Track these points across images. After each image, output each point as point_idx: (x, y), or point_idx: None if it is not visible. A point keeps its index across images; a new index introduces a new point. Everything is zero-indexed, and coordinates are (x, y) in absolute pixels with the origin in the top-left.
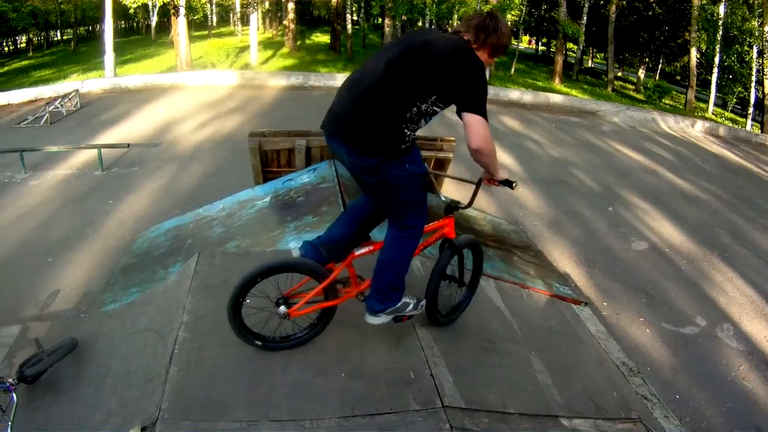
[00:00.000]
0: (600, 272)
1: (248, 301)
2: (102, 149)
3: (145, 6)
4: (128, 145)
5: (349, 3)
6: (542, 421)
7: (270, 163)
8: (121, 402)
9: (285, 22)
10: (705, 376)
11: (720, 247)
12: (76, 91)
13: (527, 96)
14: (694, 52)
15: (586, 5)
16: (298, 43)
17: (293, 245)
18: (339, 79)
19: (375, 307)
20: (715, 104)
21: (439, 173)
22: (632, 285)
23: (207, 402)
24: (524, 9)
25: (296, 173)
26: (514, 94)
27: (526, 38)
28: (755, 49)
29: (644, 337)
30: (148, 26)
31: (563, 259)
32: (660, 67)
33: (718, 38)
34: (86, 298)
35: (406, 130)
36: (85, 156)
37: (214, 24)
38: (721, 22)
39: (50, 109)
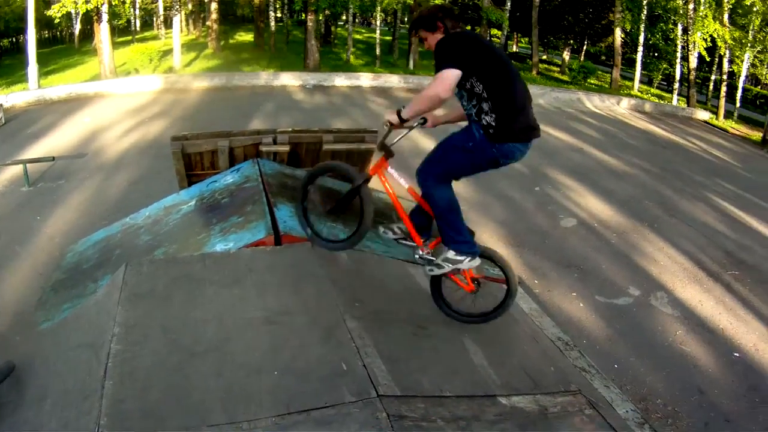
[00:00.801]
0: (530, 251)
1: None
2: (27, 164)
3: (68, 14)
4: (53, 158)
5: (272, 0)
6: (480, 401)
7: (194, 167)
8: (61, 422)
9: (208, 23)
10: (642, 344)
11: (649, 218)
12: (0, 105)
13: None
14: (618, 32)
15: None
16: (222, 43)
17: (219, 248)
18: (263, 77)
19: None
20: (641, 82)
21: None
22: (563, 261)
23: (144, 413)
24: None
25: (220, 174)
26: None
27: None
28: (680, 27)
29: (578, 311)
30: (72, 35)
31: (492, 241)
32: (585, 48)
33: (643, 17)
34: (19, 318)
35: None
36: (10, 172)
37: (138, 29)
38: (645, 1)
39: None
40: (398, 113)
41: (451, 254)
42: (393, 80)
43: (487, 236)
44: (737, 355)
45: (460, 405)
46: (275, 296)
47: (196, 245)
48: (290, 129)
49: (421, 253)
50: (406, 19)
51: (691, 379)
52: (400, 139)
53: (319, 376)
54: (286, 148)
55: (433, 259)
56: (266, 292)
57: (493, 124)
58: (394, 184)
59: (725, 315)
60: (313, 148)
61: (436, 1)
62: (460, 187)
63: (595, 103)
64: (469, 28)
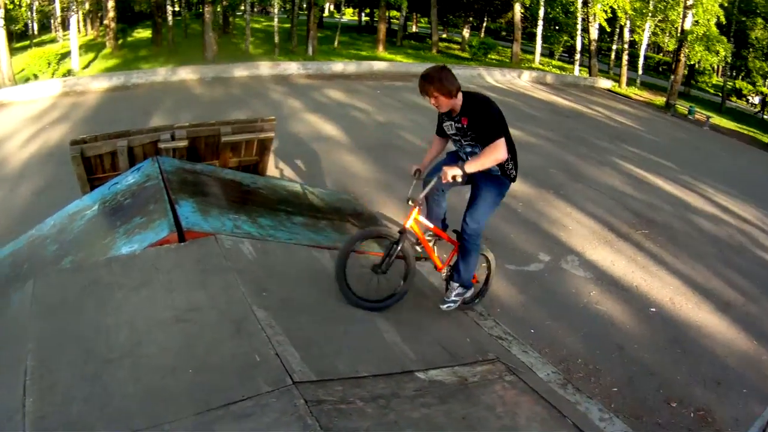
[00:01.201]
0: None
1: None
2: None
3: None
4: None
5: None
6: (398, 378)
7: (95, 170)
8: None
9: (105, 22)
10: (557, 308)
11: (555, 185)
12: None
13: (351, 66)
14: (518, 7)
15: None
16: (120, 41)
17: (125, 250)
18: (161, 74)
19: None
20: (542, 55)
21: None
22: None
23: (68, 426)
24: None
25: (121, 176)
26: (338, 66)
27: (349, 11)
28: (580, 0)
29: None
30: None
31: (399, 220)
32: (485, 25)
33: None
34: None
35: None
36: None
37: (36, 33)
38: None
39: None
40: (462, 168)
41: (461, 290)
42: (292, 67)
43: (393, 215)
44: (654, 310)
45: (378, 384)
46: (183, 294)
47: (102, 250)
48: (187, 124)
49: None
50: (304, 5)
51: (610, 337)
52: (425, 192)
53: (234, 369)
54: (184, 144)
55: (448, 299)
56: (174, 291)
57: (515, 173)
58: (422, 228)
59: (638, 273)
60: (212, 141)
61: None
62: (359, 167)
63: (496, 77)
64: (367, 10)
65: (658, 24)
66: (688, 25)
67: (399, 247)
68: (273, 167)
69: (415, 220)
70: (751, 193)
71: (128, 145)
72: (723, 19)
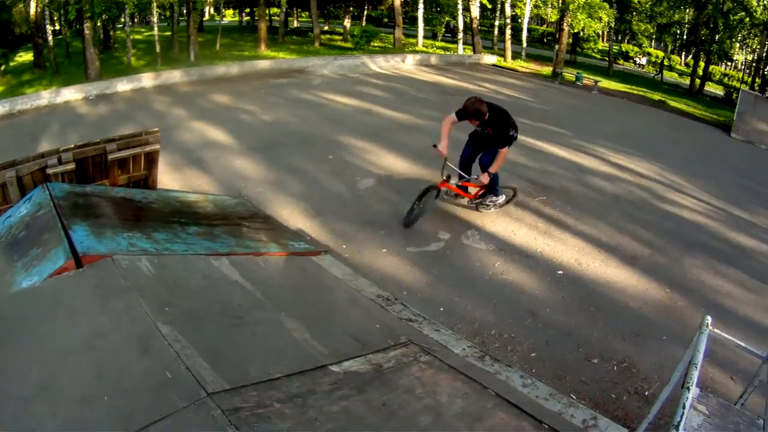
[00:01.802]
0: (332, 218)
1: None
2: None
3: None
4: None
5: (47, 13)
6: (312, 374)
7: None
8: None
9: None
10: (464, 283)
11: None
12: None
13: (233, 68)
14: None
15: None
16: (2, 67)
17: (25, 284)
18: (45, 97)
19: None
20: (426, 37)
21: None
22: (367, 221)
23: None
24: None
25: (14, 208)
26: (220, 69)
27: (230, 12)
28: None
29: (392, 266)
30: None
31: (293, 217)
32: (366, 13)
33: None
34: None
35: None
36: None
37: None
38: None
39: None
40: (489, 174)
41: (495, 198)
42: (175, 76)
43: (287, 212)
44: (561, 272)
45: (293, 383)
46: (87, 321)
47: (3, 287)
48: (73, 146)
49: (469, 200)
50: (184, 11)
51: (521, 304)
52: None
53: (148, 389)
54: (72, 166)
55: (482, 201)
56: (78, 319)
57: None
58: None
59: (541, 239)
60: (99, 160)
61: None
62: (250, 169)
63: (380, 64)
64: (248, 10)
65: None
66: None
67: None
68: (164, 179)
69: (450, 186)
70: (645, 149)
71: (16, 174)
72: None
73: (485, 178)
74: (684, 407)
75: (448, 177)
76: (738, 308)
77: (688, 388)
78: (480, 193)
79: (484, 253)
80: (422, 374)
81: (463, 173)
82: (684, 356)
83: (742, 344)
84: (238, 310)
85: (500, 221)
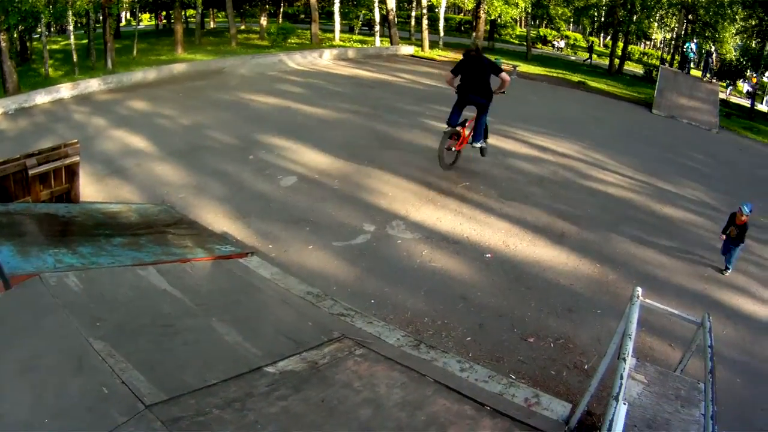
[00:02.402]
0: (257, 219)
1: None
2: None
3: None
4: None
5: None
6: (248, 377)
7: None
8: None
9: None
10: (392, 274)
11: (368, 156)
12: None
13: (150, 73)
14: None
15: None
16: None
17: None
18: None
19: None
20: (343, 31)
21: None
22: (292, 219)
23: None
24: None
25: None
26: (137, 75)
27: (146, 16)
28: None
29: (320, 262)
30: None
31: (218, 220)
32: (282, 10)
33: None
34: None
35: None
36: None
37: None
38: None
39: None
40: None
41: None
42: (93, 85)
43: (211, 216)
44: (489, 255)
45: (230, 388)
46: (21, 343)
47: None
48: None
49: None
50: (100, 18)
51: (451, 290)
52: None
53: (86, 407)
54: None
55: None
56: (12, 342)
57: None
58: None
59: (467, 224)
60: (20, 177)
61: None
62: (172, 175)
63: (297, 61)
64: (164, 13)
65: None
66: None
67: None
68: (87, 191)
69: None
70: (567, 130)
71: None
72: None
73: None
74: (622, 378)
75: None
76: (670, 277)
77: (624, 359)
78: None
79: (410, 242)
80: (358, 368)
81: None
82: (618, 328)
83: (676, 312)
84: (169, 318)
85: (424, 209)
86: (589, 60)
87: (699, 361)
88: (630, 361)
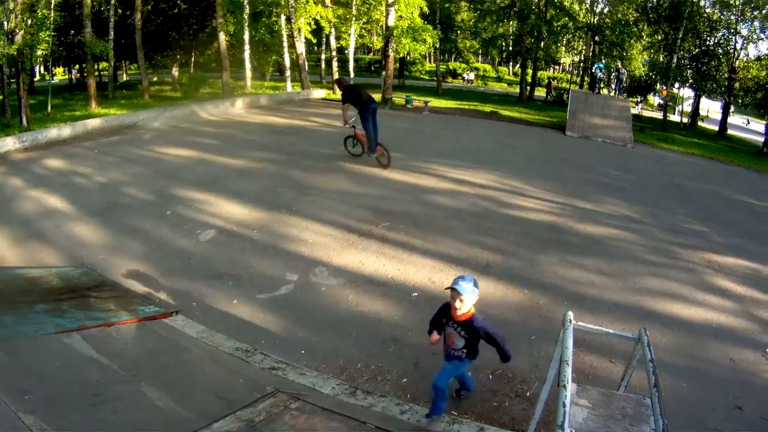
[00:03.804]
0: (179, 276)
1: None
2: None
3: None
4: None
5: None
6: None
7: None
8: None
9: None
10: (319, 321)
11: (286, 204)
12: None
13: (65, 130)
14: (222, 36)
15: (112, 20)
16: None
17: None
18: None
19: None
20: (254, 78)
21: None
22: (214, 274)
23: None
24: (51, 40)
25: None
26: (52, 132)
27: (60, 70)
28: (283, 18)
29: (246, 316)
30: None
31: (140, 279)
32: (193, 60)
33: (245, 17)
34: None
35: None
36: None
37: None
38: (246, 1)
39: None
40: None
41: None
42: (8, 143)
43: (133, 275)
44: (416, 294)
45: None
46: None
47: None
48: None
49: (369, 153)
50: (12, 71)
51: (381, 333)
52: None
53: None
54: None
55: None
56: None
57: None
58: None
59: (390, 264)
60: None
61: (42, 47)
62: (90, 235)
63: (210, 111)
64: (77, 67)
65: (364, 26)
66: (391, 22)
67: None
68: (7, 255)
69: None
70: (482, 161)
71: None
72: (426, 9)
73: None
74: (564, 406)
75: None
76: (602, 294)
77: (564, 386)
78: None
79: (335, 288)
80: (296, 422)
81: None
82: (554, 354)
83: (611, 331)
84: (98, 387)
85: (346, 254)
86: (549, 97)
87: (642, 374)
88: (571, 387)
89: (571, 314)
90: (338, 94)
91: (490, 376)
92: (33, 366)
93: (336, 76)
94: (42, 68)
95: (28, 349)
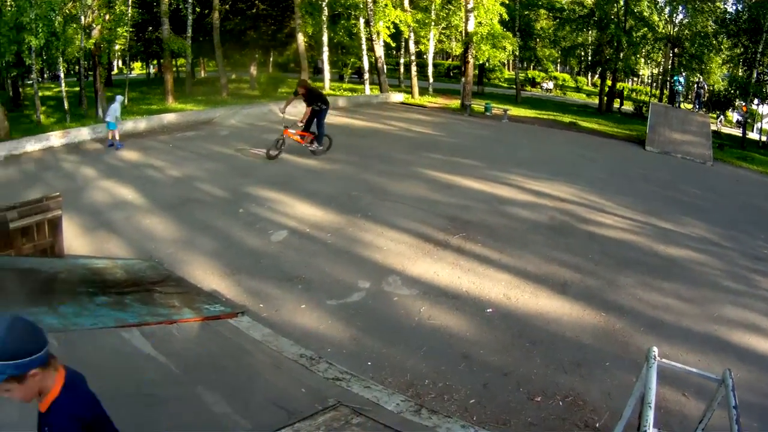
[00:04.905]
0: (247, 276)
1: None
2: None
3: None
4: None
5: None
6: None
7: None
8: None
9: None
10: (390, 333)
11: (361, 208)
12: None
13: (141, 123)
14: (301, 37)
15: (190, 18)
16: None
17: None
18: None
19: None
20: (332, 80)
21: None
22: (284, 276)
23: None
24: (128, 35)
25: None
26: (128, 125)
27: (138, 64)
28: (362, 21)
29: (313, 322)
30: None
31: (207, 277)
32: (272, 60)
33: (324, 19)
34: None
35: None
36: None
37: None
38: (325, 3)
39: None
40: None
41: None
42: (83, 134)
43: (200, 272)
44: (490, 310)
45: None
46: None
47: None
48: None
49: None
50: (89, 64)
51: (452, 349)
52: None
53: None
54: None
55: (313, 146)
56: None
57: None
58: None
59: (465, 277)
60: (1, 230)
61: (120, 42)
62: (161, 229)
63: (287, 110)
64: (155, 62)
65: (443, 31)
66: (471, 28)
67: (283, 141)
68: (74, 244)
69: (290, 134)
70: (561, 173)
71: None
72: (506, 16)
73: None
74: None
75: (287, 127)
76: (679, 321)
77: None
78: (309, 139)
79: (407, 298)
80: None
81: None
82: (634, 390)
83: (694, 370)
84: (153, 386)
85: (421, 263)
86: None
87: (719, 412)
88: None
89: (656, 350)
90: (420, 99)
91: (560, 403)
92: (88, 360)
93: (415, 80)
94: (120, 62)
95: (84, 342)
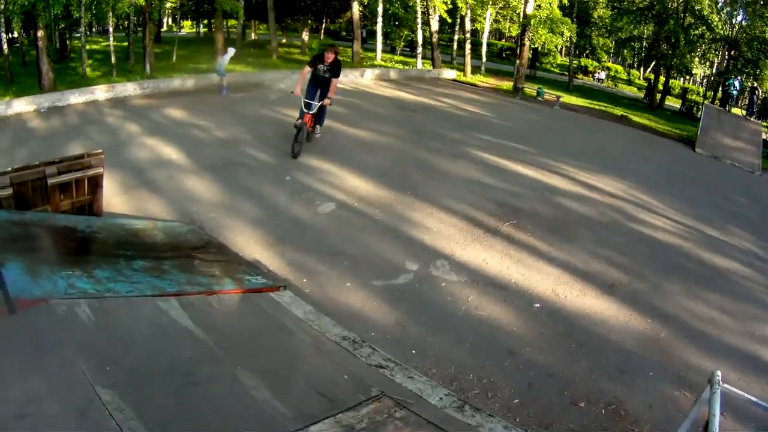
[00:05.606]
0: (291, 247)
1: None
2: None
3: None
4: None
5: (1, 20)
6: None
7: None
8: None
9: None
10: (436, 320)
11: (411, 185)
12: None
13: (189, 82)
14: (356, 6)
15: None
16: None
17: None
18: (15, 105)
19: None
20: (384, 51)
21: None
22: (329, 251)
23: None
24: None
25: None
26: (176, 82)
27: (188, 23)
28: None
29: (358, 302)
30: None
31: (249, 245)
32: (324, 26)
33: None
34: None
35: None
36: None
37: None
38: None
39: None
40: (328, 99)
41: (320, 127)
42: (129, 89)
43: (242, 240)
44: (538, 305)
45: None
46: (19, 381)
47: None
48: (10, 169)
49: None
50: (139, 20)
51: (499, 342)
52: (314, 110)
53: None
54: (8, 192)
55: (317, 129)
56: (9, 379)
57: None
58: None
59: (514, 267)
60: (39, 185)
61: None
62: (203, 191)
63: (338, 78)
64: (205, 21)
65: (500, 11)
66: (530, 10)
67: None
68: (113, 201)
69: (310, 119)
70: (612, 167)
71: None
72: (565, 1)
73: (327, 102)
74: None
75: (307, 108)
76: (721, 335)
77: None
78: (311, 123)
79: (455, 285)
80: None
81: (312, 103)
82: (690, 412)
83: (760, 401)
84: (189, 364)
85: (470, 249)
86: (645, 99)
87: None
88: None
89: (719, 374)
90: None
91: (603, 411)
92: (121, 331)
93: (468, 58)
94: (170, 20)
95: (118, 310)
